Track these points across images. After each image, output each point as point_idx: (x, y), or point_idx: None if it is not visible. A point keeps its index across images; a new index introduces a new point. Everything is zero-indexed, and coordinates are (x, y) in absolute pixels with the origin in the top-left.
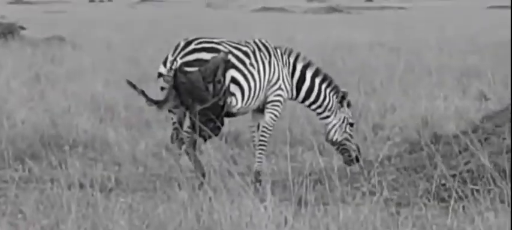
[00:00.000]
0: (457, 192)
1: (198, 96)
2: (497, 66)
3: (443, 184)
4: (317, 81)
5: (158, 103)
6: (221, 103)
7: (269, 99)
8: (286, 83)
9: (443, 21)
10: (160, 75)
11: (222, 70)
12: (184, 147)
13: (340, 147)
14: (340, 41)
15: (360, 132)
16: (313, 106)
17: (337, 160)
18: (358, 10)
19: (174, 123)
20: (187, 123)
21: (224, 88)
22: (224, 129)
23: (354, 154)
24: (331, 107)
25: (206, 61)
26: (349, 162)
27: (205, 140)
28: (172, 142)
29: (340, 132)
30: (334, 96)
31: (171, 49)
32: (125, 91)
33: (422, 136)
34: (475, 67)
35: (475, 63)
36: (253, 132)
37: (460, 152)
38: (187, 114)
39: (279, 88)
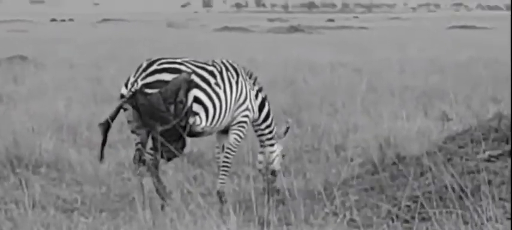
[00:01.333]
0: (420, 213)
1: (159, 117)
2: (459, 86)
3: (407, 205)
4: (267, 105)
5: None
6: (183, 123)
7: (236, 120)
8: (253, 104)
9: (405, 41)
10: (122, 96)
11: (184, 91)
12: (144, 168)
13: (273, 177)
14: (301, 61)
15: (322, 152)
16: (267, 130)
17: (300, 180)
18: (320, 30)
19: (137, 144)
20: (150, 144)
21: (186, 108)
22: (186, 149)
23: (277, 185)
24: (274, 134)
25: (167, 82)
26: (274, 192)
27: (168, 160)
28: (134, 163)
29: (279, 161)
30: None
31: (133, 70)
32: (87, 111)
33: (385, 156)
34: (436, 88)
35: (437, 84)
36: (218, 152)
37: (422, 173)
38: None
39: (247, 108)
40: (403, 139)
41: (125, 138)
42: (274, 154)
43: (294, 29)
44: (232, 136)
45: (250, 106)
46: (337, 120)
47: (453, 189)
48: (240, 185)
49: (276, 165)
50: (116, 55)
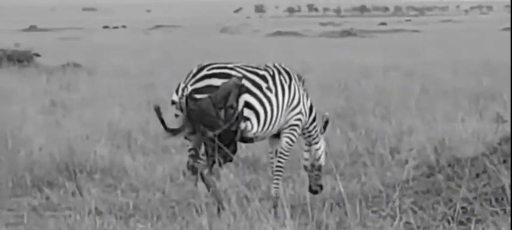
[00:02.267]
0: (476, 215)
1: (209, 122)
2: None
3: (463, 207)
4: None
5: (173, 132)
6: (234, 128)
7: (288, 123)
8: (305, 107)
9: (458, 43)
10: (173, 102)
11: (235, 96)
12: (198, 173)
13: (319, 172)
14: (354, 64)
15: (376, 155)
16: (314, 130)
17: (355, 183)
18: (372, 33)
19: (190, 150)
20: (202, 149)
21: (236, 113)
22: (242, 154)
23: (322, 181)
24: (319, 131)
25: (216, 87)
26: (318, 189)
27: (219, 165)
28: (188, 168)
29: (324, 158)
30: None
31: (184, 76)
32: (141, 117)
33: (440, 159)
34: (490, 89)
35: (490, 85)
36: (272, 157)
37: (478, 175)
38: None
39: (299, 112)
40: (458, 141)
41: (178, 143)
42: (319, 151)
43: (347, 33)
44: (284, 140)
45: (303, 110)
46: (391, 123)
47: (509, 190)
48: (295, 189)
49: (322, 161)
50: (169, 61)
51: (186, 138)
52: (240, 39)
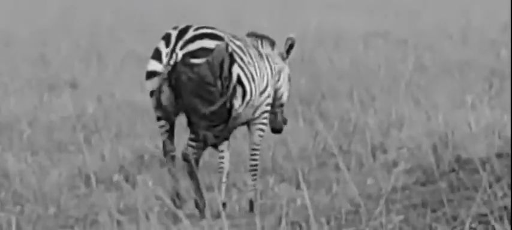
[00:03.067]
0: None
1: (207, 95)
2: None
3: (472, 228)
4: None
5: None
6: (228, 105)
7: (259, 111)
8: (271, 87)
9: (468, 2)
10: (151, 74)
11: (227, 64)
12: (190, 162)
13: (280, 108)
14: (324, 31)
15: (354, 155)
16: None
17: (324, 194)
18: None
19: (166, 131)
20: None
21: (232, 85)
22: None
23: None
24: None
25: (211, 50)
26: (282, 125)
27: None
28: (165, 153)
29: (288, 92)
30: None
31: (160, 41)
32: (29, 102)
33: (441, 160)
34: (510, 65)
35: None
36: (222, 151)
37: (491, 183)
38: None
39: (268, 96)
40: (465, 137)
41: (80, 138)
42: (282, 89)
43: None
44: (256, 133)
45: (271, 92)
46: (374, 111)
47: None
48: (241, 201)
49: (285, 99)
50: (67, 27)
51: (159, 118)
52: None
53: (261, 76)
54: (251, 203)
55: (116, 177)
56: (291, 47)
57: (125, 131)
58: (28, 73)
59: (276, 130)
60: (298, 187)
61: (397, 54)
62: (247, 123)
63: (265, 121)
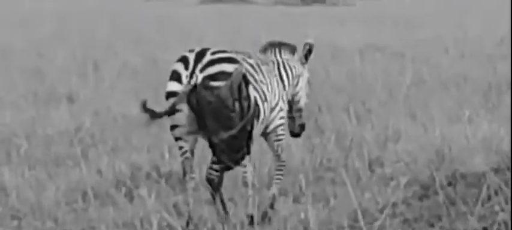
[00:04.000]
0: None
1: (225, 119)
2: None
3: None
4: None
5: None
6: (249, 127)
7: (273, 125)
8: (284, 98)
9: (465, 15)
10: (171, 94)
11: (245, 88)
12: (214, 185)
13: (299, 113)
14: (321, 44)
15: (351, 170)
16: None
17: (321, 208)
18: (347, 0)
19: (185, 152)
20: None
21: (252, 108)
22: (164, 169)
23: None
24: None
25: (229, 74)
26: (300, 129)
27: (226, 170)
28: (184, 174)
29: (306, 96)
30: None
31: (176, 63)
32: (25, 116)
33: (439, 175)
34: (508, 79)
35: (508, 73)
36: (245, 165)
37: (490, 197)
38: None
39: (281, 109)
40: (463, 151)
41: (77, 152)
42: (300, 93)
43: (312, 0)
44: (276, 144)
45: (282, 105)
46: (371, 125)
47: None
48: (238, 214)
49: (302, 103)
50: (64, 38)
51: (178, 139)
52: (161, 8)
53: (272, 93)
54: (273, 198)
55: (113, 192)
56: (309, 51)
57: (122, 145)
58: (24, 86)
59: (295, 134)
60: (295, 200)
61: (394, 67)
62: (265, 138)
63: (282, 132)
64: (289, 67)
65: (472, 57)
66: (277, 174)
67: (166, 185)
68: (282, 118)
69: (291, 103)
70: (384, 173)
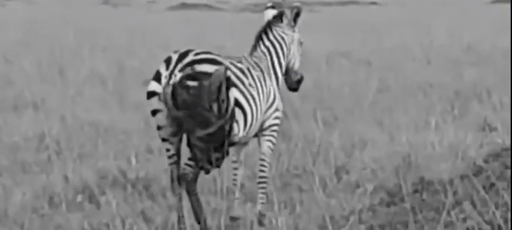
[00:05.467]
0: None
1: (202, 117)
2: (506, 83)
3: None
4: None
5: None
6: (227, 128)
7: (267, 124)
8: (280, 100)
9: (431, 21)
10: (152, 94)
11: (225, 89)
12: (186, 182)
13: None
14: None
15: (317, 176)
16: None
17: (287, 215)
18: (314, 6)
19: (171, 156)
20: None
21: (230, 109)
22: (131, 174)
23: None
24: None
25: (209, 75)
26: (298, 85)
27: (206, 172)
28: (172, 180)
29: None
30: None
31: (162, 63)
32: None
33: (405, 182)
34: (474, 86)
35: (475, 80)
36: (236, 168)
37: (456, 204)
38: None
39: (276, 109)
40: (429, 158)
41: (44, 158)
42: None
43: (279, 6)
44: (265, 145)
45: (279, 105)
46: (337, 132)
47: (499, 227)
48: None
49: (297, 65)
50: (32, 43)
51: (164, 140)
52: (128, 14)
53: (266, 94)
54: (261, 216)
55: (80, 198)
56: (297, 15)
57: (88, 151)
58: None
59: (292, 88)
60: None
61: (360, 74)
62: (256, 135)
63: (274, 134)
64: (281, 46)
65: (438, 64)
66: (261, 188)
67: (133, 191)
68: (276, 118)
69: (287, 68)
70: (351, 180)
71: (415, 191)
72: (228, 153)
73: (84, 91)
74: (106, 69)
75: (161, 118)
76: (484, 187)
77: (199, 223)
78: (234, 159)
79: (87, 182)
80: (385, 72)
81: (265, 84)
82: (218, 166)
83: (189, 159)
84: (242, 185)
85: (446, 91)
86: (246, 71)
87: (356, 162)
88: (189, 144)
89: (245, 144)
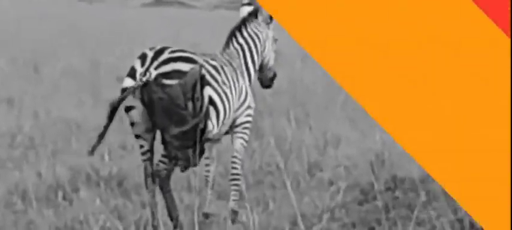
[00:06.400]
0: None
1: (177, 116)
2: None
3: None
4: None
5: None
6: (202, 126)
7: (238, 122)
8: (252, 97)
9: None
10: (124, 90)
11: (199, 87)
12: (159, 179)
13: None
14: None
15: (290, 174)
16: None
17: (260, 212)
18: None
19: (145, 153)
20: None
21: (205, 107)
22: (104, 171)
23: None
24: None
25: (184, 73)
26: (271, 82)
27: (182, 170)
28: (147, 176)
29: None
30: None
31: (136, 60)
32: None
33: (378, 179)
34: None
35: None
36: (208, 164)
37: (429, 201)
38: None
39: (248, 107)
40: (402, 156)
41: (17, 154)
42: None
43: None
44: (238, 142)
45: (251, 103)
46: (310, 129)
47: (471, 224)
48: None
49: (272, 61)
50: None
51: (138, 136)
52: (102, 10)
53: (238, 91)
54: (233, 214)
55: (53, 194)
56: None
57: (61, 148)
58: None
59: (266, 86)
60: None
61: None
62: (228, 133)
63: (246, 131)
64: (254, 43)
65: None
66: (233, 186)
67: (106, 188)
68: (248, 115)
69: (261, 65)
70: (324, 177)
71: (388, 189)
72: (203, 151)
73: (58, 87)
74: (81, 65)
75: (135, 115)
76: None
77: (172, 219)
78: (206, 155)
79: (61, 178)
80: None
81: (238, 82)
82: (195, 165)
83: (163, 156)
84: (214, 182)
85: None
86: (220, 68)
87: (329, 160)
88: (163, 142)
89: (217, 140)
